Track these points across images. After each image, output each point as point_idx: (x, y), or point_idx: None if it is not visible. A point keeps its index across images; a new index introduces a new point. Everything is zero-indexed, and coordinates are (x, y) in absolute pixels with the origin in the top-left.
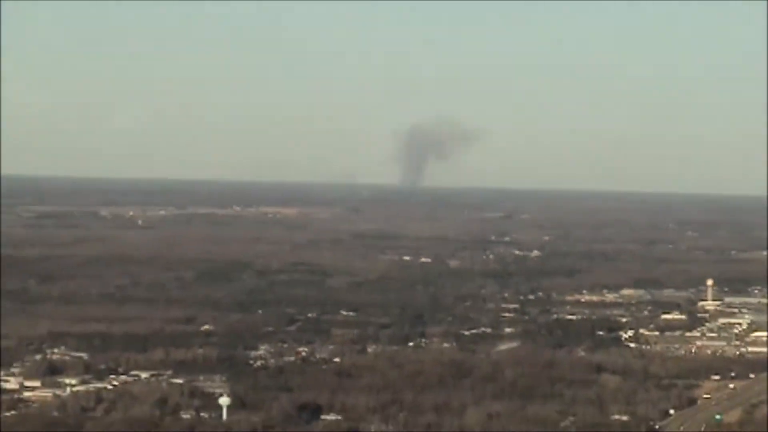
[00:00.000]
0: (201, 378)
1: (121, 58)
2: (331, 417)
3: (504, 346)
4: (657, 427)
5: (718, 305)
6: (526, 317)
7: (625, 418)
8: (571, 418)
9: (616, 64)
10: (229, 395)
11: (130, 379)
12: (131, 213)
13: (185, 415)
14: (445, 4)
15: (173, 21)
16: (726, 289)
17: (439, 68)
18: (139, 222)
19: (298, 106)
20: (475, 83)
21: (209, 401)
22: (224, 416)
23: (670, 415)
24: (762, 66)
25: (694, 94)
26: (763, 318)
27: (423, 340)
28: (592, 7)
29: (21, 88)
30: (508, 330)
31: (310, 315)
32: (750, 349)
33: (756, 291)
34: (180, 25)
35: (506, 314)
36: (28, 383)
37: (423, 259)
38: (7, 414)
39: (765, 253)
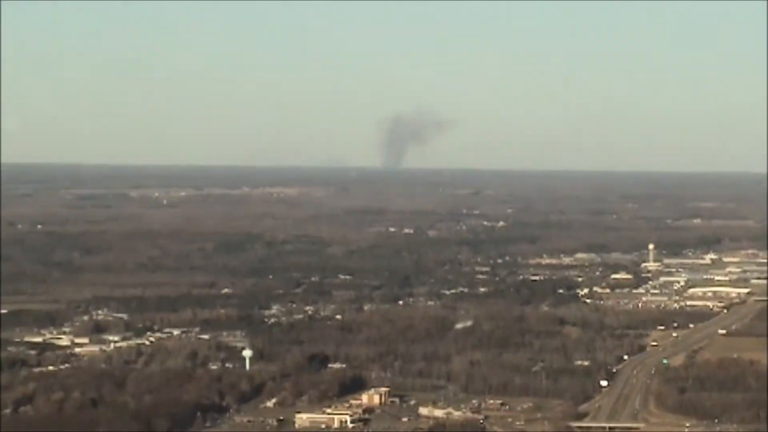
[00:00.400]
0: (224, 334)
1: (137, 52)
2: (337, 365)
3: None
4: (614, 370)
5: (658, 266)
6: (497, 278)
7: (586, 363)
8: (541, 364)
9: (577, 59)
10: (250, 348)
11: (164, 335)
12: (157, 194)
13: (213, 366)
14: (427, 5)
15: (179, 17)
16: (665, 252)
17: (419, 64)
18: (164, 202)
19: (294, 99)
20: (450, 77)
21: (233, 354)
22: (247, 366)
23: (624, 360)
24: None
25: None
26: (697, 276)
27: (410, 299)
28: (562, 7)
29: (44, 86)
30: (482, 290)
31: (313, 279)
32: (688, 302)
33: (690, 253)
34: (186, 23)
35: (480, 276)
36: (77, 340)
37: (406, 230)
38: (62, 366)
39: (696, 221)
